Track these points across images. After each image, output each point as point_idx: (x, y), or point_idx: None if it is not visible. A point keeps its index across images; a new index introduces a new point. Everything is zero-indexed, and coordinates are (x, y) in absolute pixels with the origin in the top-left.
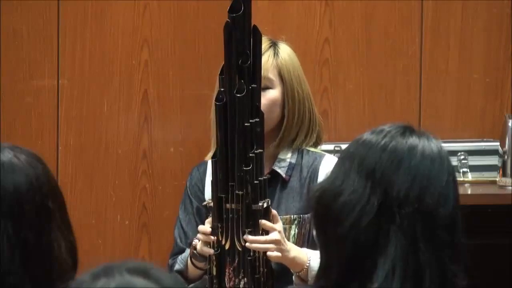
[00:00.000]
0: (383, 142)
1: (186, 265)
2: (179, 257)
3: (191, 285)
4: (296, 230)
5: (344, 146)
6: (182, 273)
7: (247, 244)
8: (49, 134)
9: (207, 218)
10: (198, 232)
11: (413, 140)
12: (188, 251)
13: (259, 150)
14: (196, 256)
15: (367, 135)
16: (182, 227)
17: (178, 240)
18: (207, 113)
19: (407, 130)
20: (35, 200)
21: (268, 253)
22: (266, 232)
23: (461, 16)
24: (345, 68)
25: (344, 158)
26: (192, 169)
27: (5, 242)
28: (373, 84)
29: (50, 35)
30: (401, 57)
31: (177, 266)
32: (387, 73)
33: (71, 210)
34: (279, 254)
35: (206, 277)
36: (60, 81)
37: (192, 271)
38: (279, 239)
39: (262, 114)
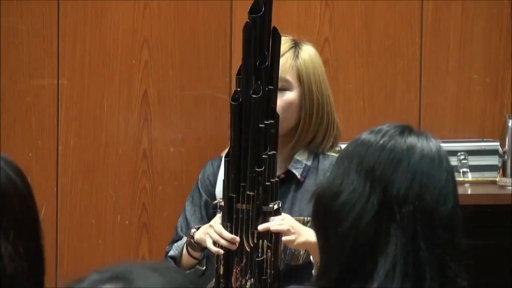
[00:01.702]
0: (381, 141)
1: (180, 252)
2: (175, 244)
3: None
4: None
5: (344, 146)
6: (175, 259)
7: (259, 226)
8: (49, 134)
9: (213, 214)
10: (201, 225)
11: (412, 140)
12: (185, 238)
13: (273, 152)
14: (193, 244)
15: (365, 135)
16: (186, 218)
17: (179, 229)
18: (207, 113)
19: (406, 130)
20: None
21: (284, 237)
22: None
23: (461, 16)
24: (345, 68)
25: (343, 157)
26: (206, 162)
27: None
28: (373, 84)
29: (50, 35)
30: (401, 57)
31: (171, 252)
32: (387, 73)
33: (71, 210)
34: (293, 237)
35: (199, 267)
36: (60, 81)
37: (186, 259)
38: (288, 228)
39: (278, 116)
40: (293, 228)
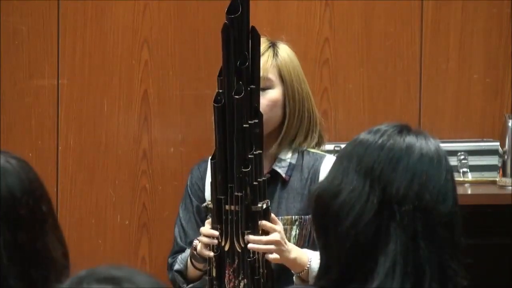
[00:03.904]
0: (380, 141)
1: (185, 265)
2: (179, 257)
3: (190, 286)
4: (297, 231)
5: (343, 146)
6: (182, 273)
7: (249, 245)
8: (49, 134)
9: (206, 217)
10: (198, 231)
11: (410, 139)
12: (188, 251)
13: (258, 151)
14: (196, 257)
15: (364, 135)
16: (182, 226)
17: (178, 239)
18: (207, 113)
19: (404, 129)
20: (29, 204)
21: (267, 255)
22: (266, 232)
23: (461, 16)
24: (345, 68)
25: (342, 157)
26: (193, 167)
27: (2, 246)
28: (373, 84)
29: (50, 35)
30: (401, 57)
31: (176, 266)
32: (387, 73)
33: (71, 210)
34: (277, 256)
35: (206, 277)
36: (60, 81)
37: (192, 271)
38: (280, 240)
39: (261, 115)
40: (281, 246)
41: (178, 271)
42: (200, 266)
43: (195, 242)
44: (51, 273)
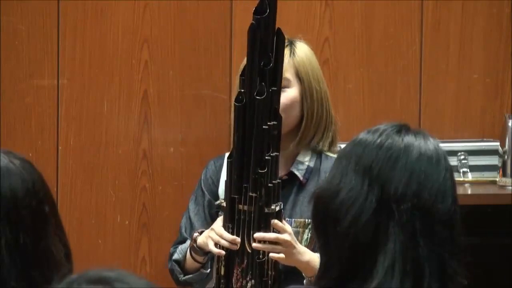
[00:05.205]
0: (378, 140)
1: (184, 256)
2: (179, 247)
3: (186, 277)
4: (309, 235)
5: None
6: (180, 263)
7: (253, 244)
8: (49, 134)
9: (217, 214)
10: (205, 225)
11: (409, 138)
12: (188, 242)
13: (275, 154)
14: (195, 249)
15: (363, 135)
16: (189, 218)
17: (183, 230)
18: (207, 113)
19: (403, 129)
20: (31, 205)
21: (272, 254)
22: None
23: (461, 16)
24: (345, 68)
25: (341, 157)
26: (209, 161)
27: (3, 246)
28: (373, 84)
29: (50, 35)
30: (401, 57)
31: (175, 256)
32: (387, 73)
33: (71, 210)
34: (283, 255)
35: (203, 271)
36: (60, 81)
37: (190, 263)
38: (290, 240)
39: (280, 117)
40: (292, 248)
41: (176, 261)
42: (199, 258)
43: (195, 234)
44: (53, 274)
